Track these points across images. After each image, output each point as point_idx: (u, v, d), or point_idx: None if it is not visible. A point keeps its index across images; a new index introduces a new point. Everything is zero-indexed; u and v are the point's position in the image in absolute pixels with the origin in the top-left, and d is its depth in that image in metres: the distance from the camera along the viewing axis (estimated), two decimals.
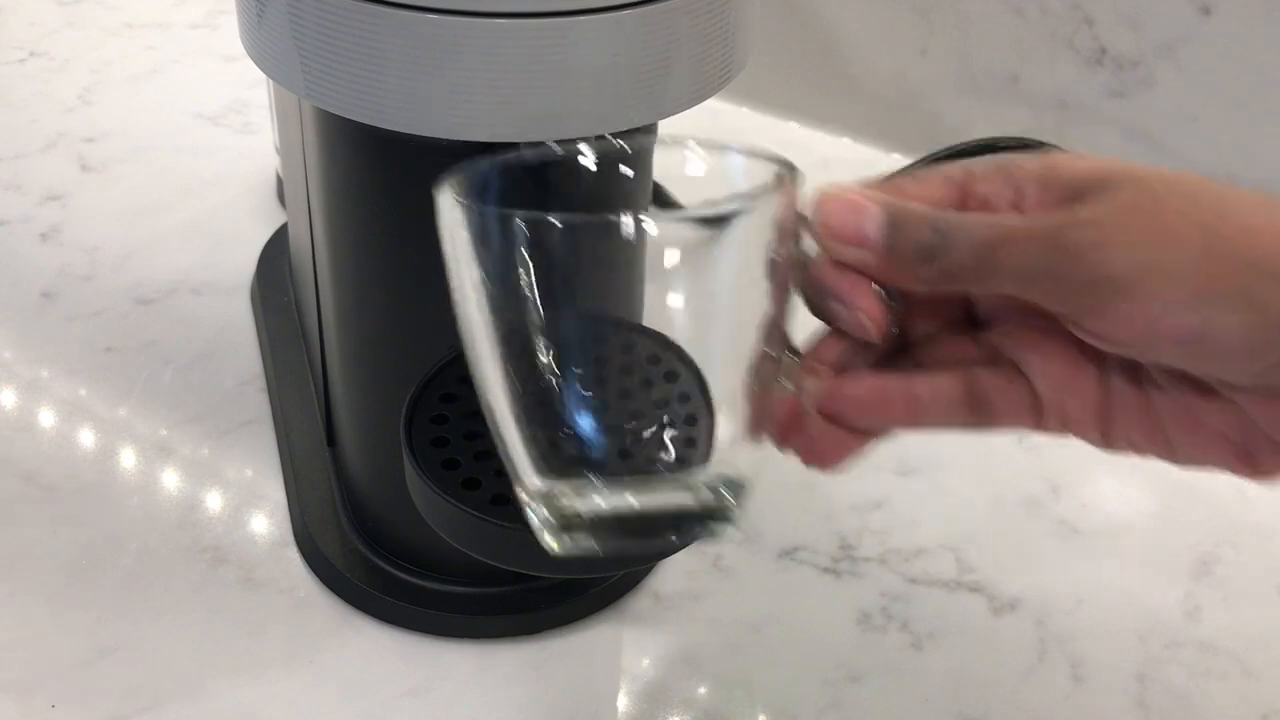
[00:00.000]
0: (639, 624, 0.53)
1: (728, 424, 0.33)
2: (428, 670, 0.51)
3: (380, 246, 0.46)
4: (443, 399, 0.39)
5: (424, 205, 0.44)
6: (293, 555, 0.55)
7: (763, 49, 0.50)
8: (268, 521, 0.57)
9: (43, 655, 0.51)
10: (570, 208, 0.34)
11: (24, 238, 0.75)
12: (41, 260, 0.73)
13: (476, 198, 0.34)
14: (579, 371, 0.33)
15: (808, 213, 0.35)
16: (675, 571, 0.55)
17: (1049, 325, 0.33)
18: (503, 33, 0.35)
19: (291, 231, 0.66)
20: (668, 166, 0.37)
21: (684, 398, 0.34)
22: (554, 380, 0.33)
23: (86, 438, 0.61)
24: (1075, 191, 0.31)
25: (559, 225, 0.31)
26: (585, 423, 0.33)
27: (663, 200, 0.71)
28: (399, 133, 0.37)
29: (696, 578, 0.55)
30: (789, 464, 0.63)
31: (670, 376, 0.34)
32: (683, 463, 0.33)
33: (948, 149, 0.86)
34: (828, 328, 0.35)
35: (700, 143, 0.36)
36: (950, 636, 0.54)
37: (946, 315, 0.36)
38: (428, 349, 0.47)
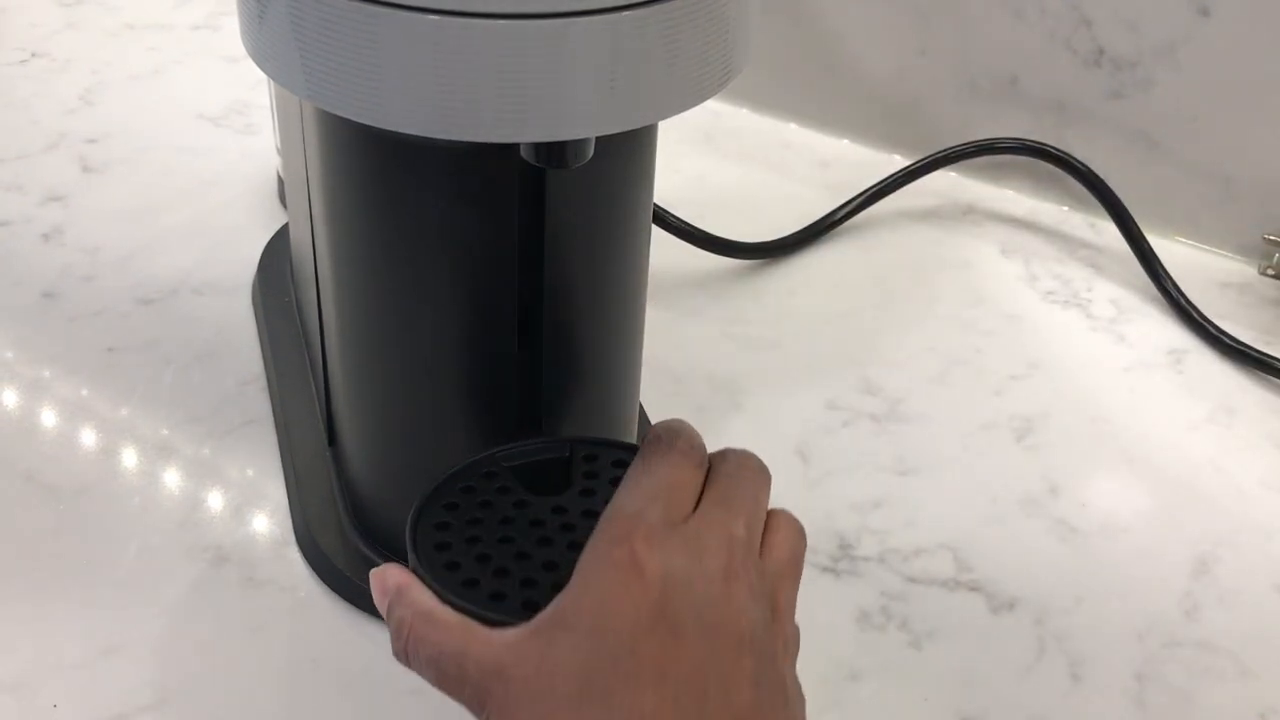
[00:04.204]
0: None
1: None
2: None
3: (381, 246, 0.46)
4: (446, 507, 0.42)
5: (424, 205, 0.45)
6: (294, 555, 0.55)
7: (763, 49, 0.50)
8: (269, 521, 0.57)
9: (44, 655, 0.51)
10: None
11: (25, 238, 0.75)
12: (43, 260, 0.73)
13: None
14: None
15: None
16: None
17: None
18: (502, 33, 0.35)
19: (292, 232, 0.66)
20: None
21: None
22: None
23: (88, 437, 0.61)
24: None
25: None
26: None
27: (663, 222, 0.71)
28: (399, 133, 0.38)
29: None
30: (788, 464, 0.63)
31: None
32: None
33: (947, 150, 0.87)
34: None
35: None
36: (949, 635, 0.54)
37: None
38: (428, 349, 0.48)
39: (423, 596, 0.39)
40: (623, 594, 0.35)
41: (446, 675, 0.37)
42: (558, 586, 0.38)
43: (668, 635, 0.35)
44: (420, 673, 0.38)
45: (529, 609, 0.38)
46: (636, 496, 0.38)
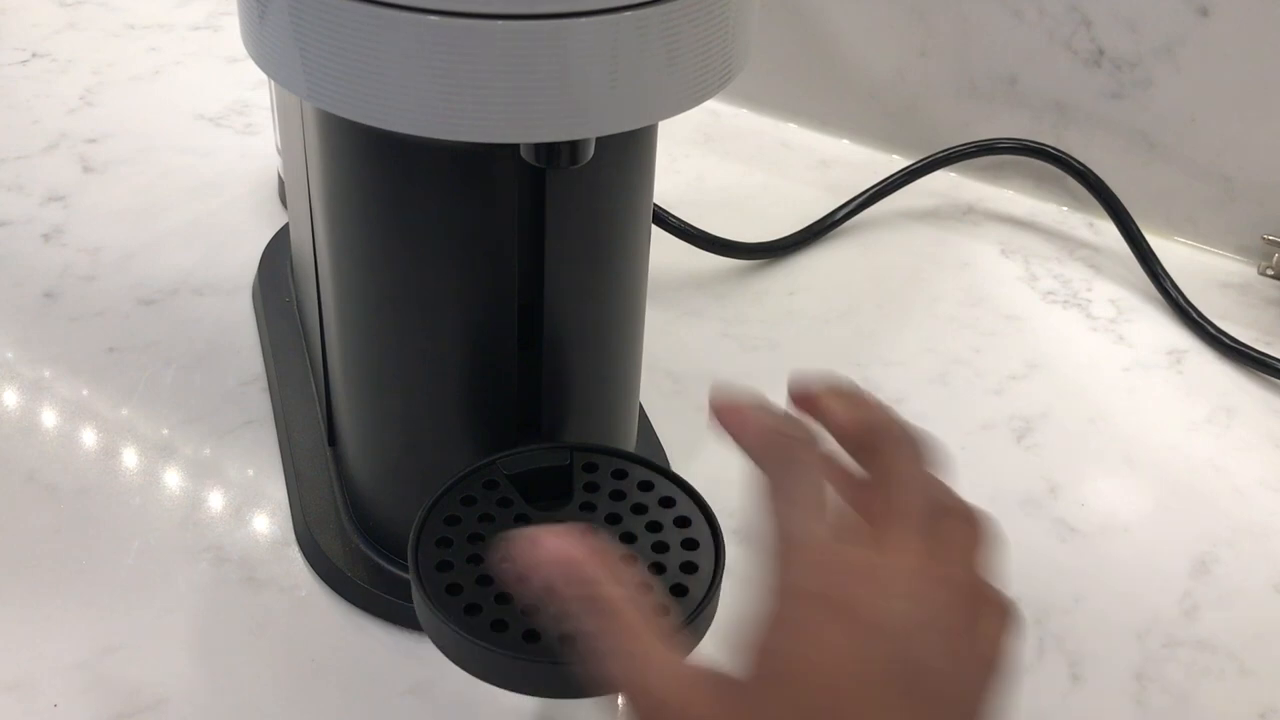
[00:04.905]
0: None
1: None
2: (428, 669, 0.51)
3: (380, 246, 0.46)
4: (447, 521, 0.42)
5: (424, 205, 0.45)
6: (294, 554, 0.56)
7: (763, 49, 0.50)
8: (269, 521, 0.57)
9: (44, 654, 0.51)
10: None
11: (26, 238, 0.75)
12: (43, 261, 0.73)
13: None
14: None
15: None
16: None
17: None
18: (503, 34, 0.35)
19: (293, 232, 0.66)
20: None
21: None
22: None
23: (88, 438, 0.61)
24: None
25: None
26: None
27: (663, 222, 0.71)
28: (399, 133, 0.38)
29: None
30: None
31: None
32: None
33: (947, 150, 0.87)
34: None
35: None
36: None
37: None
38: (428, 348, 0.48)
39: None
40: (837, 642, 0.31)
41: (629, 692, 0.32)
42: (558, 615, 0.37)
43: (900, 694, 0.30)
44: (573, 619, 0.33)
45: (530, 640, 0.38)
46: (799, 516, 0.33)
